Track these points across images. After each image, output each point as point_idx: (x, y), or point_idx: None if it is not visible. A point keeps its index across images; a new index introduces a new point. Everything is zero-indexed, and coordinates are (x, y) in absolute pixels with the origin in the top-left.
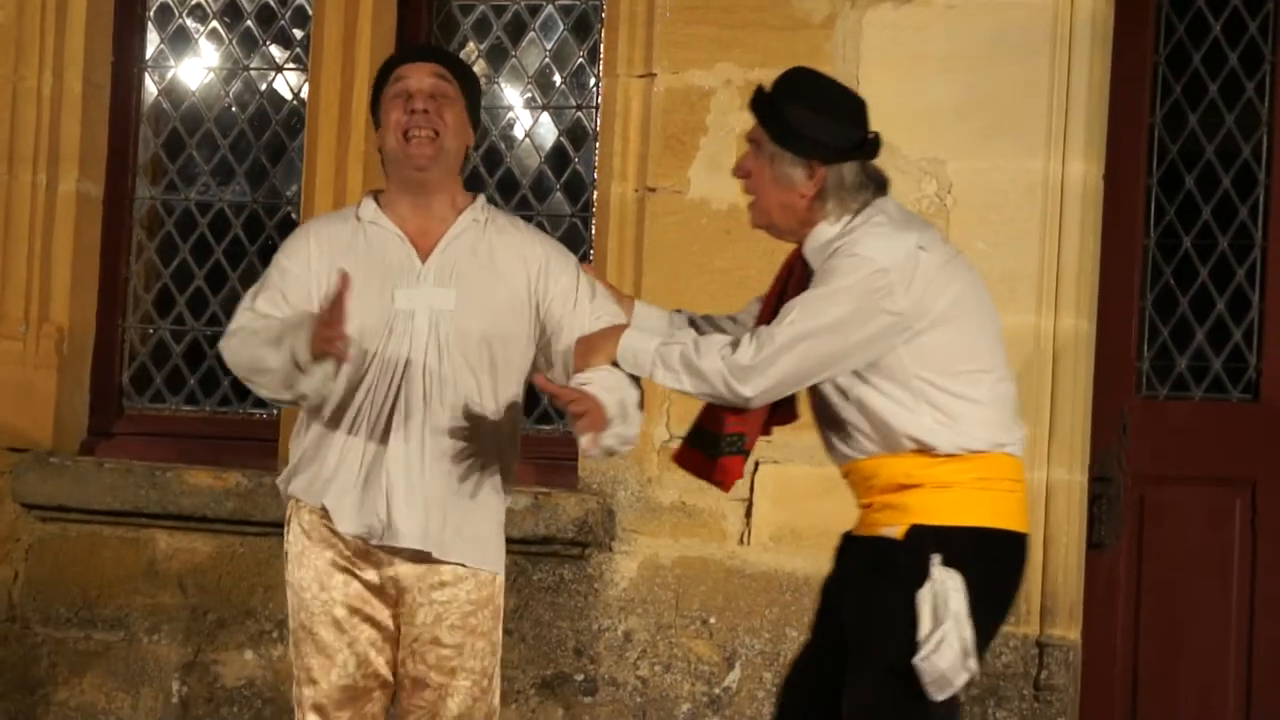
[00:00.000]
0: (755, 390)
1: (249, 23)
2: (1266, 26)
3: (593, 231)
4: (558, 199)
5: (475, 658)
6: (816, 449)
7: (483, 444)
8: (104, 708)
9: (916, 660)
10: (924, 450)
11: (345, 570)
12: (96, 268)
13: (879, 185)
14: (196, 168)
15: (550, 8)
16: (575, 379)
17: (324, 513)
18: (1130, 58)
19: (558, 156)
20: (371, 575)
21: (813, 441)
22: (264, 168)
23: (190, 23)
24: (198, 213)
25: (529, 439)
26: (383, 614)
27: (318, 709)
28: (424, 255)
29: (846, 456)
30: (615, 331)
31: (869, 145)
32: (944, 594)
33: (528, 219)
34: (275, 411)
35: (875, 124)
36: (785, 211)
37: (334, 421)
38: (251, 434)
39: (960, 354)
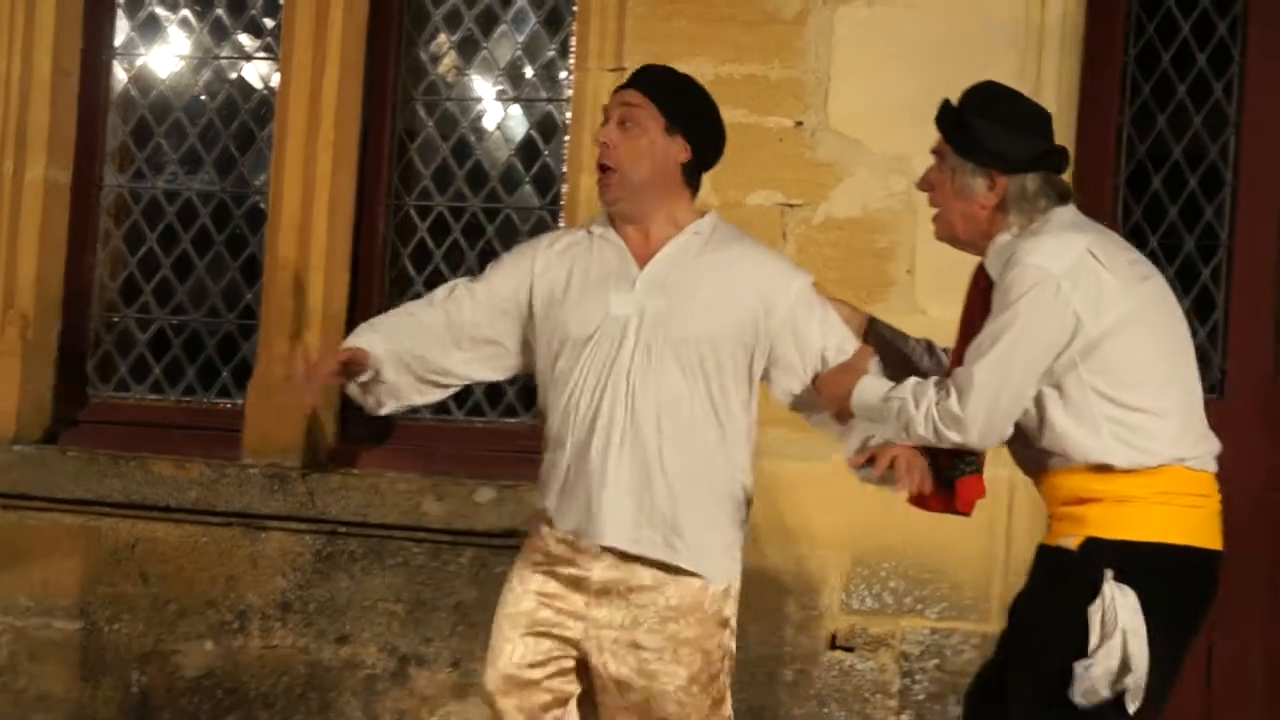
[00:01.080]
0: (974, 434)
1: (219, 11)
2: (1235, 28)
3: (561, 224)
4: (527, 191)
5: (680, 664)
6: (781, 444)
7: (693, 448)
8: (63, 697)
9: (1076, 665)
10: (1102, 464)
11: (546, 568)
12: (63, 255)
13: (1061, 196)
14: (165, 156)
15: (523, 0)
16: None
17: (547, 512)
18: (1100, 58)
19: (528, 149)
20: (573, 572)
21: (778, 436)
22: (233, 157)
23: (160, 10)
24: (165, 201)
25: (494, 431)
26: (578, 609)
27: (488, 691)
28: (641, 264)
29: (1033, 468)
30: (849, 378)
31: (1051, 157)
32: (1113, 610)
33: (496, 212)
34: (240, 401)
35: (843, 120)
36: (967, 223)
37: (555, 423)
38: (216, 423)
39: (1138, 365)
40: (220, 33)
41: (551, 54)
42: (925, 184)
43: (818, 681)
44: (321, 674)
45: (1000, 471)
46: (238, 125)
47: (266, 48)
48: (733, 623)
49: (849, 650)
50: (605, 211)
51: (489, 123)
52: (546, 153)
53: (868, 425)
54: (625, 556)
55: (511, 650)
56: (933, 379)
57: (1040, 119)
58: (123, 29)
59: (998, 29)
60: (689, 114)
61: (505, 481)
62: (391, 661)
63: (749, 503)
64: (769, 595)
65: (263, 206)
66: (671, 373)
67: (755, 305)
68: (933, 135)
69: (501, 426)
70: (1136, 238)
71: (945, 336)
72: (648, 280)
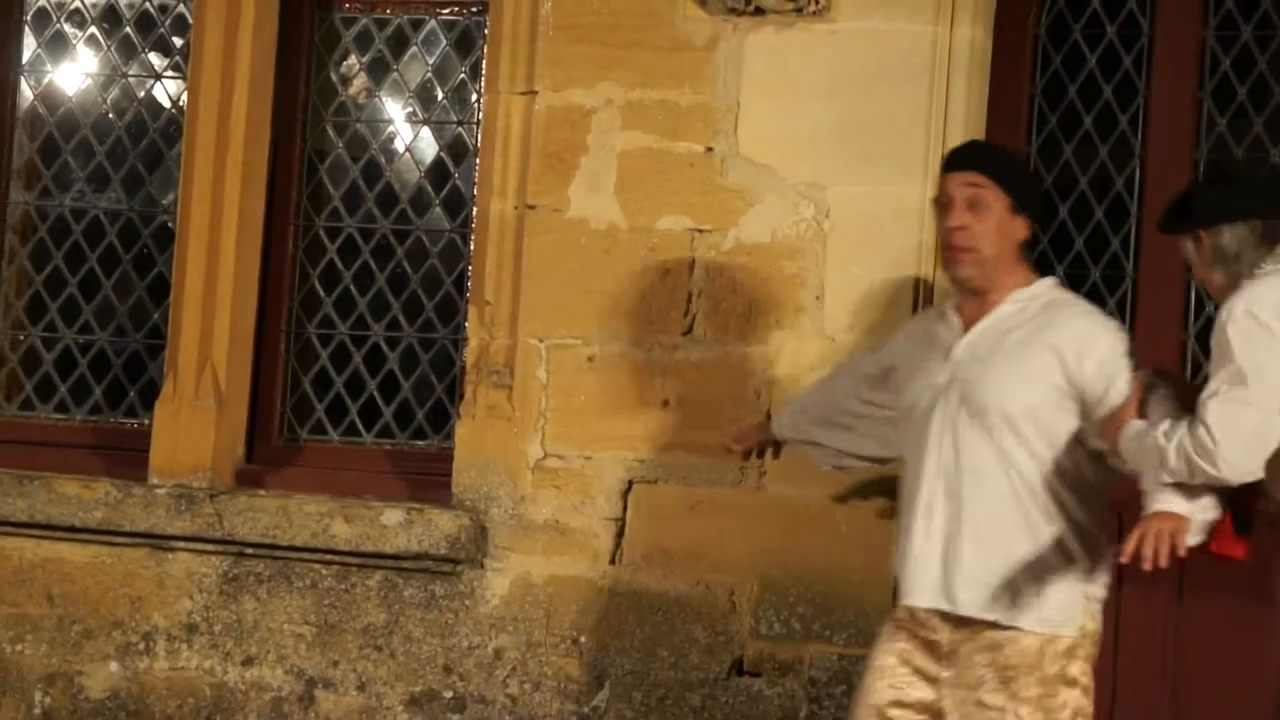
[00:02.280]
0: (1227, 468)
1: (128, 29)
2: (1140, 60)
3: (471, 247)
4: (437, 214)
5: None
6: (689, 469)
7: (1011, 508)
8: None
9: None
10: None
11: (907, 628)
12: None
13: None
14: (72, 174)
15: (433, 22)
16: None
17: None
18: (1007, 87)
19: (438, 171)
20: (926, 634)
21: (685, 461)
22: (141, 175)
23: (68, 28)
24: (72, 219)
25: (402, 454)
26: (931, 670)
27: None
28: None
29: None
30: (1118, 421)
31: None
32: None
33: (406, 234)
34: (146, 421)
35: (753, 147)
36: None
37: (903, 489)
38: (122, 443)
39: None
40: (129, 50)
41: (462, 77)
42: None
43: (725, 707)
44: (228, 696)
45: None
46: (146, 144)
47: (175, 66)
48: (1084, 681)
49: (756, 675)
50: (951, 284)
51: (399, 144)
52: (457, 175)
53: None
54: (964, 618)
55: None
56: (1187, 417)
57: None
58: (30, 45)
59: (906, 57)
60: (1030, 195)
61: (414, 504)
62: (298, 684)
63: (1092, 555)
64: (677, 620)
65: (171, 226)
66: (983, 438)
67: (1063, 365)
68: (844, 162)
69: (410, 449)
70: (1042, 266)
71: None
72: (965, 349)
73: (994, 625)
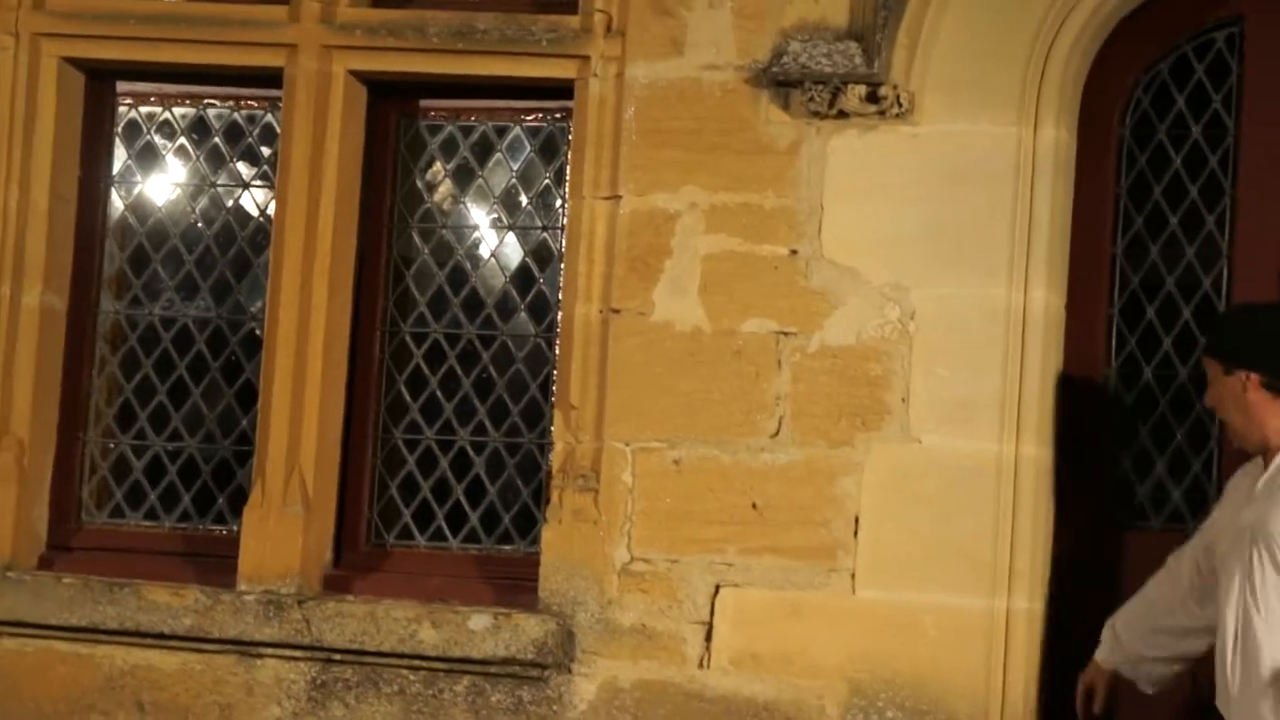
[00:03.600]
0: None
1: (216, 139)
2: (1226, 160)
3: (557, 352)
4: (522, 319)
5: None
6: (776, 572)
7: None
8: None
9: None
10: None
11: None
12: (59, 381)
13: None
14: (161, 283)
15: (517, 129)
16: None
17: None
18: (1092, 188)
19: (523, 276)
20: None
21: (773, 564)
22: (229, 283)
23: (158, 139)
24: (161, 328)
25: (489, 559)
26: None
27: None
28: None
29: None
30: None
31: None
32: None
33: (491, 339)
34: (234, 527)
35: (837, 249)
36: None
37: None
38: (211, 550)
39: None
40: (217, 160)
41: (546, 182)
42: None
43: None
44: None
45: (996, 603)
46: (234, 252)
47: (263, 175)
48: None
49: None
50: None
51: (484, 250)
52: (542, 280)
53: None
54: None
55: None
56: None
57: None
58: (120, 156)
59: (990, 159)
60: (1238, 347)
61: (500, 609)
62: None
63: None
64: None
65: (259, 333)
66: (1270, 571)
67: None
68: (928, 264)
69: (496, 554)
70: (1131, 368)
71: (939, 465)
72: (1263, 487)
73: None
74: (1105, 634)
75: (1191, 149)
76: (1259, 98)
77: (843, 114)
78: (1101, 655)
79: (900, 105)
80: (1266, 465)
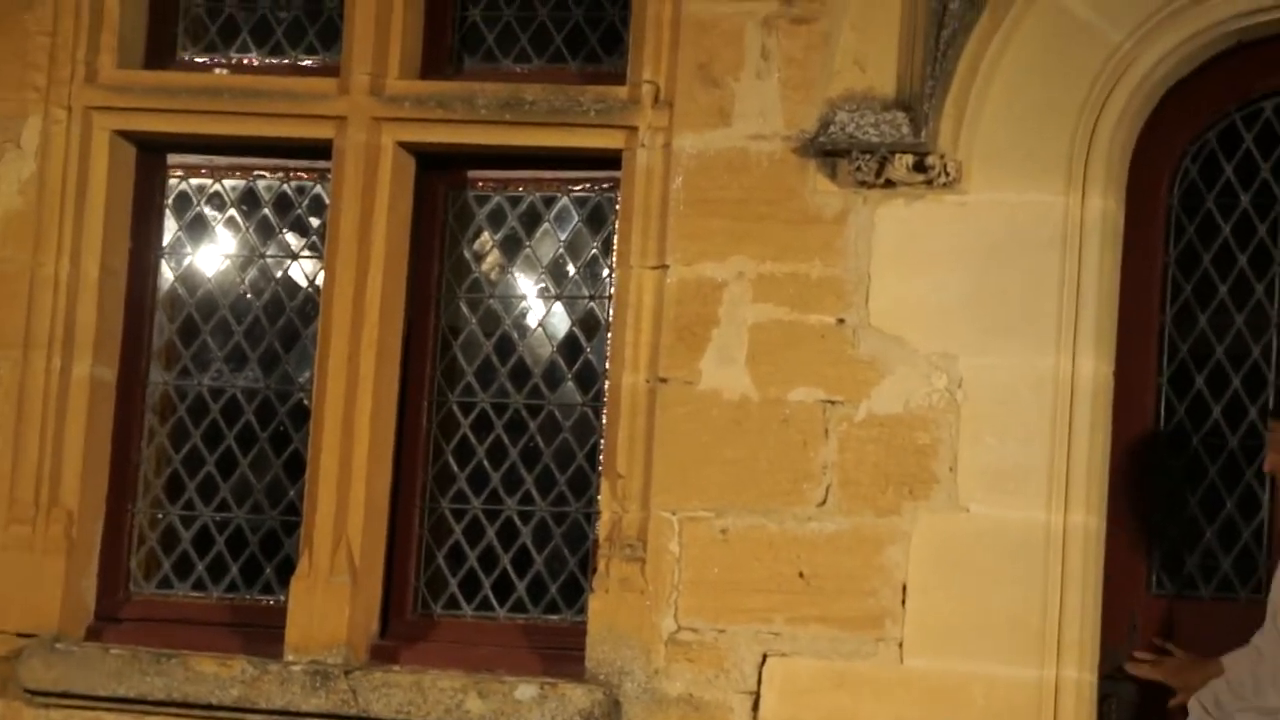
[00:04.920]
0: None
1: (266, 210)
2: (1276, 228)
3: (604, 421)
4: (569, 388)
5: None
6: (824, 641)
7: None
8: None
9: None
10: None
11: None
12: (108, 452)
13: None
14: (210, 353)
15: (565, 199)
16: None
17: None
18: (1140, 256)
19: (570, 346)
20: None
21: (820, 633)
22: (277, 354)
23: (208, 210)
24: (210, 398)
25: (536, 628)
26: None
27: None
28: None
29: None
30: None
31: None
32: None
33: (538, 408)
34: (282, 598)
35: (884, 318)
36: None
37: None
38: (259, 620)
39: None
40: (266, 232)
41: (594, 252)
42: None
43: None
44: None
45: (1046, 672)
46: (283, 323)
47: (312, 246)
48: None
49: None
50: None
51: (532, 320)
52: (589, 349)
53: None
54: None
55: None
56: None
57: None
58: (170, 228)
59: (1037, 227)
60: None
61: (547, 679)
62: None
63: None
64: None
65: (307, 403)
66: None
67: None
68: (976, 333)
69: (543, 623)
70: (1179, 436)
71: (988, 533)
72: None
73: None
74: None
75: (1240, 217)
76: None
77: (890, 183)
78: None
79: (948, 174)
80: None
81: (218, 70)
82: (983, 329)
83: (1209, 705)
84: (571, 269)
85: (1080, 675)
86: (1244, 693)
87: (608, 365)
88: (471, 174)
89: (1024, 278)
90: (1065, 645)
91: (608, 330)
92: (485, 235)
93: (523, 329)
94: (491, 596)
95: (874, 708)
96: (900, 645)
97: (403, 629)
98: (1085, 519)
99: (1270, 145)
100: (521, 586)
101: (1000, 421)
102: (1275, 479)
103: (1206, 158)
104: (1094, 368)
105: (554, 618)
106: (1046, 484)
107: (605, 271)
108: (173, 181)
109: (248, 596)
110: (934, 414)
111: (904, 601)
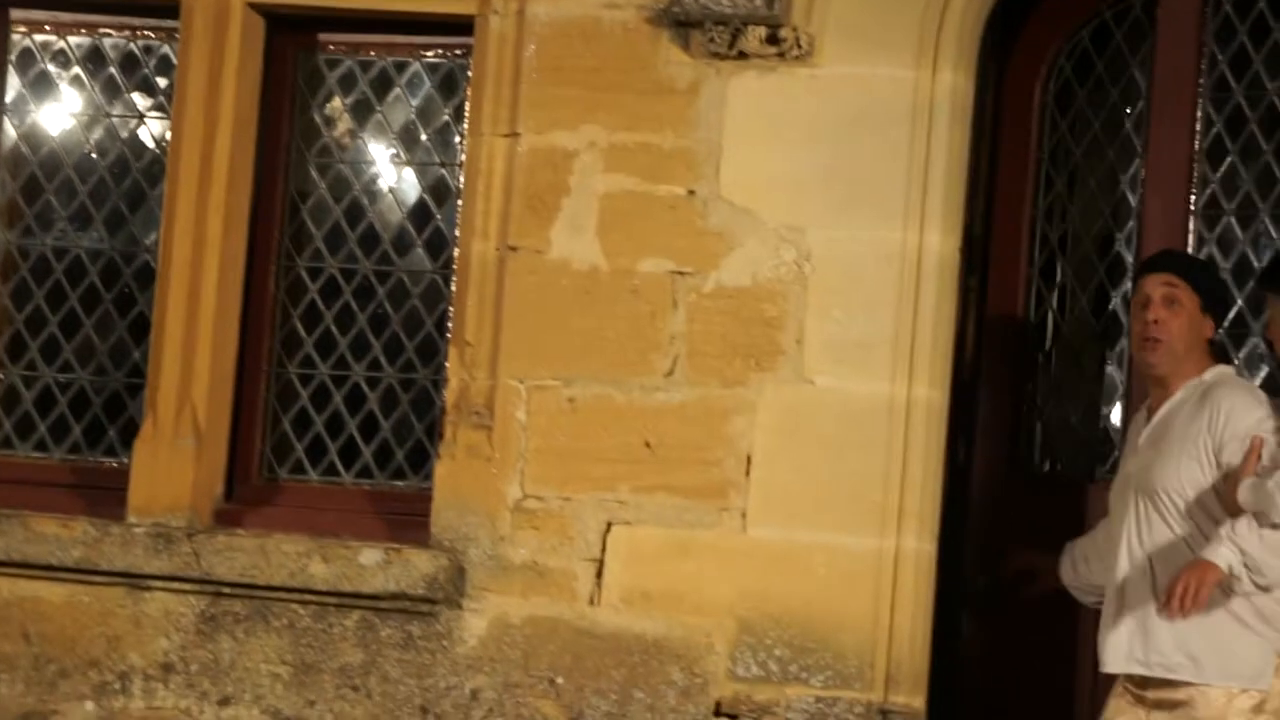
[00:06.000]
0: None
1: (112, 70)
2: (1139, 123)
3: (453, 289)
4: (419, 255)
5: None
6: (669, 511)
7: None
8: None
9: None
10: None
11: (1124, 683)
12: None
13: None
14: (54, 213)
15: (417, 65)
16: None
17: None
18: (1014, 151)
19: (420, 213)
20: (1135, 690)
21: (665, 503)
22: (123, 215)
23: (52, 68)
24: (54, 258)
25: (381, 494)
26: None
27: None
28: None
29: None
30: (1236, 479)
31: None
32: None
33: (387, 275)
34: (125, 460)
35: (735, 190)
36: None
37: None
38: (102, 482)
39: None
40: (113, 91)
41: (446, 119)
42: None
43: None
44: None
45: (886, 542)
46: (129, 184)
47: (159, 107)
48: None
49: (734, 718)
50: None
51: (382, 185)
52: (439, 216)
53: None
54: (1159, 680)
55: None
56: None
57: None
58: (14, 85)
59: (888, 102)
60: (1218, 299)
61: (392, 544)
62: None
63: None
64: (654, 661)
65: (153, 265)
66: (1157, 519)
67: (1211, 443)
68: (825, 206)
69: (389, 489)
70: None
71: (832, 406)
72: (1146, 438)
73: (1185, 684)
74: (1065, 558)
75: (1110, 112)
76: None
77: (743, 55)
78: (1064, 573)
79: (800, 47)
80: (1150, 415)
81: None
82: (832, 203)
83: (1078, 555)
84: (423, 135)
85: (919, 545)
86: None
87: (457, 233)
88: (322, 37)
89: (874, 152)
90: (905, 516)
91: (458, 198)
92: (336, 99)
93: (373, 195)
94: (338, 462)
95: (717, 576)
96: (744, 515)
97: (248, 493)
98: (929, 393)
99: (1137, 42)
100: (368, 452)
101: (847, 295)
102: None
103: (1080, 56)
104: (940, 242)
105: (400, 484)
106: (891, 357)
107: (456, 138)
108: (16, 37)
109: (90, 458)
110: (782, 286)
111: (748, 472)
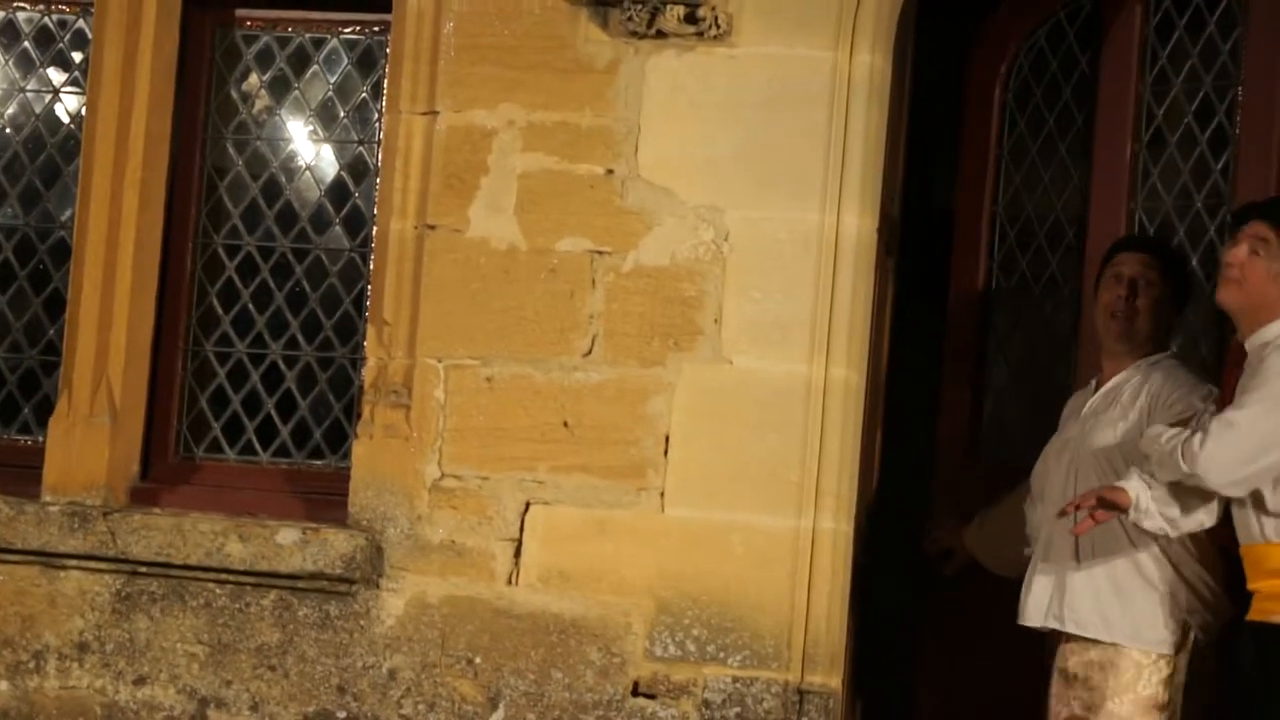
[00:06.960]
0: (1206, 471)
1: (26, 44)
2: (1091, 118)
3: (371, 267)
4: (337, 233)
5: None
6: (587, 490)
7: (1111, 542)
8: None
9: None
10: None
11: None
12: None
13: None
14: None
15: (335, 41)
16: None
17: None
18: (975, 149)
19: (338, 190)
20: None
21: (583, 483)
22: (38, 191)
23: None
24: None
25: (299, 473)
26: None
27: None
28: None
29: (1242, 538)
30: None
31: None
32: None
33: (305, 252)
34: (40, 438)
35: (653, 169)
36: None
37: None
38: (15, 460)
39: None
40: (27, 65)
41: (364, 96)
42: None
43: None
44: (119, 715)
45: (803, 522)
46: (44, 159)
47: (74, 82)
48: (1173, 711)
49: (651, 698)
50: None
51: (300, 163)
52: (357, 194)
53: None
54: (1073, 637)
55: None
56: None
57: None
58: None
59: (805, 82)
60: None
61: (309, 524)
62: (191, 703)
63: (1194, 586)
64: (572, 641)
65: (68, 241)
66: (1089, 482)
67: (1150, 415)
68: (743, 186)
69: (306, 468)
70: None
71: (750, 386)
72: (1090, 407)
73: (1098, 642)
74: (975, 521)
75: (1062, 109)
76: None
77: (661, 34)
78: (969, 536)
79: (718, 26)
80: (1099, 387)
81: None
82: (750, 183)
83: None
84: (341, 112)
85: (836, 525)
86: (1018, 522)
87: (376, 211)
88: (239, 12)
89: (792, 132)
90: (822, 496)
91: (376, 175)
92: (253, 76)
93: (290, 172)
94: (255, 441)
95: (635, 556)
96: (662, 495)
97: (164, 472)
98: (845, 373)
99: (1088, 38)
100: (285, 431)
101: (765, 275)
102: None
103: (1036, 55)
104: (857, 223)
105: (318, 463)
106: (809, 338)
107: (375, 116)
108: None
109: (4, 436)
110: (700, 266)
111: (666, 452)
